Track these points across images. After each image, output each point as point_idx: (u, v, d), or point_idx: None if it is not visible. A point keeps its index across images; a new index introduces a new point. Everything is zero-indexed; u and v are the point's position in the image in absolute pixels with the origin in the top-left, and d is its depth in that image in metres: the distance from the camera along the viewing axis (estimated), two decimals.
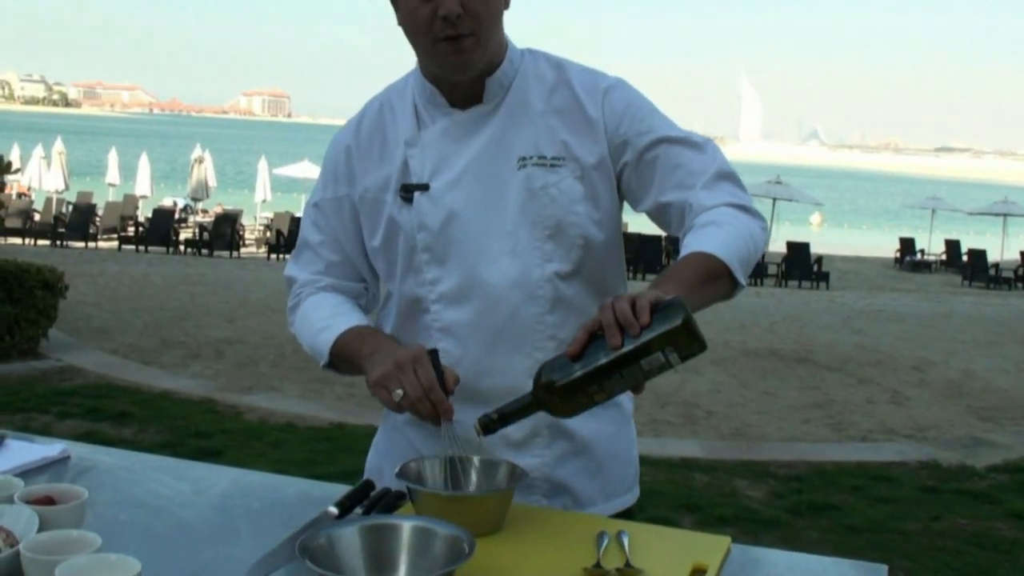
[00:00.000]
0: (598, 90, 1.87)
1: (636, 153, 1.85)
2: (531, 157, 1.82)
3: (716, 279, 1.68)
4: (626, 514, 1.96)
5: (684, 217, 1.82)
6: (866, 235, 46.59)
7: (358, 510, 1.63)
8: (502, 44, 1.86)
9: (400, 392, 1.63)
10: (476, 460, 1.71)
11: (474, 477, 1.70)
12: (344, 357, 1.85)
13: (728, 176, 1.85)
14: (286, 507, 1.77)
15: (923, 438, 7.88)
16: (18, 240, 23.19)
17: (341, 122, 2.10)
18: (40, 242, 23.81)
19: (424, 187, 1.83)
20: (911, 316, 15.87)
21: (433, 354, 1.68)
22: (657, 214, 1.87)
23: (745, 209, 1.80)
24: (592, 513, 1.88)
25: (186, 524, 1.72)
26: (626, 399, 2.00)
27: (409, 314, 1.90)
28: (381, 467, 2.00)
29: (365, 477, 1.94)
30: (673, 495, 5.93)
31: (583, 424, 1.81)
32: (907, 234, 33.20)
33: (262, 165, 30.09)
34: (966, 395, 9.62)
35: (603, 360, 1.49)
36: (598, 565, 1.48)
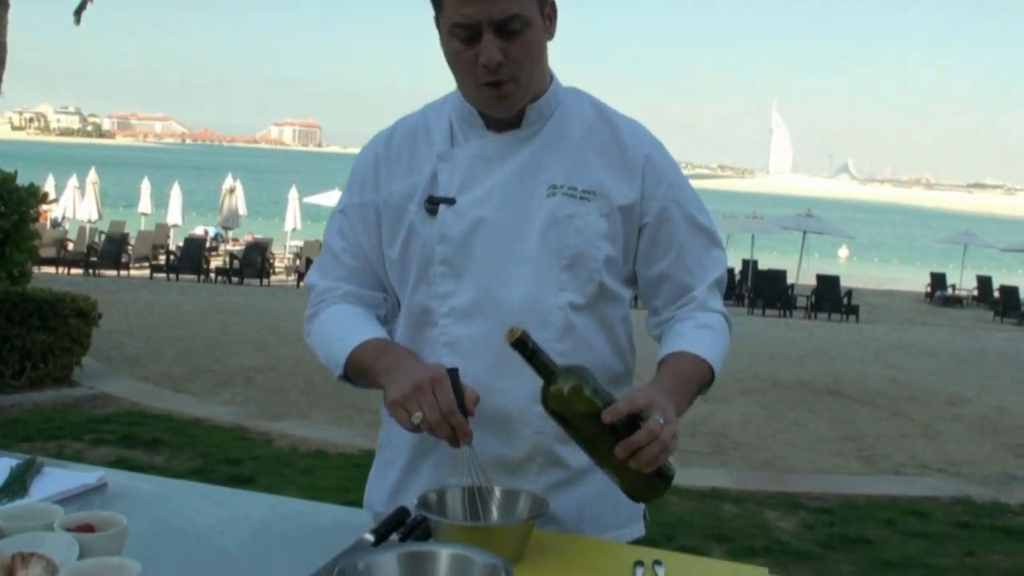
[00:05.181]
0: (644, 141, 1.90)
1: (661, 218, 1.89)
2: (562, 186, 1.83)
3: (703, 388, 1.87)
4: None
5: (678, 299, 1.93)
6: (896, 269, 46.27)
7: (394, 537, 1.63)
8: (545, 74, 1.87)
9: (419, 415, 1.62)
10: (497, 491, 1.71)
11: (495, 508, 1.70)
12: (360, 369, 1.84)
13: (723, 284, 1.99)
14: (323, 534, 1.78)
15: (956, 473, 7.80)
16: (51, 269, 23.41)
17: None
18: (73, 271, 24.05)
19: (451, 201, 1.84)
20: (943, 351, 15.73)
21: (453, 373, 1.67)
22: (654, 280, 1.94)
23: (728, 321, 1.97)
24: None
25: (224, 551, 1.74)
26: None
27: (416, 326, 1.89)
28: (371, 504, 2.03)
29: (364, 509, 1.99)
30: (703, 525, 5.89)
31: (578, 456, 1.79)
32: (938, 269, 32.94)
33: (292, 194, 30.30)
34: (1000, 431, 9.51)
35: (599, 446, 1.61)
36: None
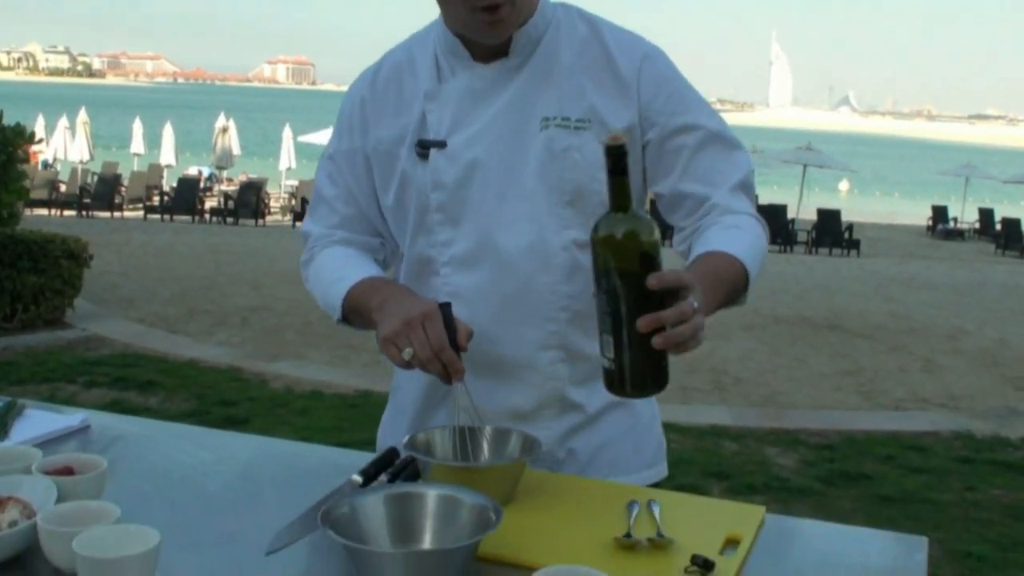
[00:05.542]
0: (636, 52, 1.78)
1: (665, 133, 1.77)
2: (554, 118, 1.73)
3: (736, 295, 1.70)
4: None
5: (698, 210, 1.78)
6: (897, 203, 46.13)
7: (383, 478, 1.59)
8: None
9: (410, 351, 1.57)
10: (488, 430, 1.66)
11: (485, 447, 1.65)
12: (356, 309, 1.78)
13: (750, 187, 1.82)
14: (310, 475, 1.74)
15: (956, 408, 7.79)
16: (44, 211, 23.28)
17: None
18: (66, 212, 23.93)
19: (441, 144, 1.76)
20: (944, 284, 15.70)
21: (445, 308, 1.61)
22: (670, 199, 1.81)
23: (761, 223, 1.80)
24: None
25: (208, 493, 1.70)
26: None
27: (418, 276, 1.83)
28: (385, 446, 1.97)
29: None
30: (702, 463, 5.89)
31: (594, 399, 1.76)
32: (940, 202, 32.79)
33: (286, 133, 30.02)
34: (1000, 365, 9.50)
35: (619, 308, 1.39)
36: (629, 534, 1.43)
